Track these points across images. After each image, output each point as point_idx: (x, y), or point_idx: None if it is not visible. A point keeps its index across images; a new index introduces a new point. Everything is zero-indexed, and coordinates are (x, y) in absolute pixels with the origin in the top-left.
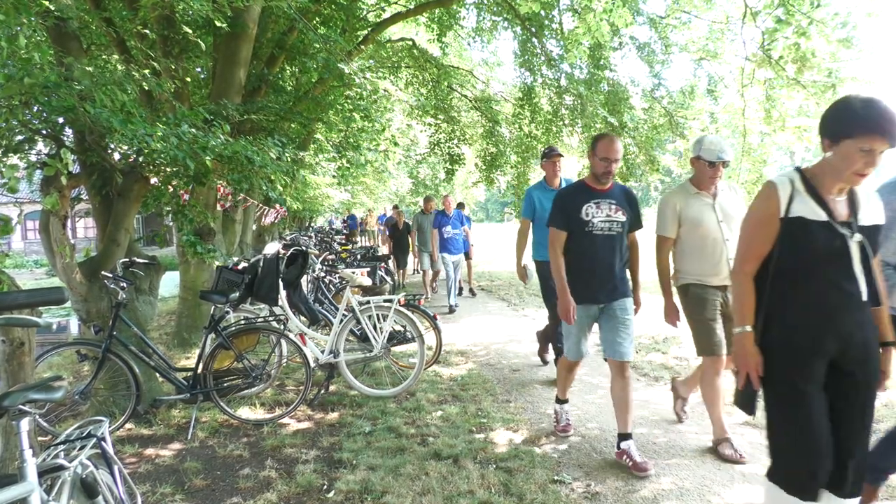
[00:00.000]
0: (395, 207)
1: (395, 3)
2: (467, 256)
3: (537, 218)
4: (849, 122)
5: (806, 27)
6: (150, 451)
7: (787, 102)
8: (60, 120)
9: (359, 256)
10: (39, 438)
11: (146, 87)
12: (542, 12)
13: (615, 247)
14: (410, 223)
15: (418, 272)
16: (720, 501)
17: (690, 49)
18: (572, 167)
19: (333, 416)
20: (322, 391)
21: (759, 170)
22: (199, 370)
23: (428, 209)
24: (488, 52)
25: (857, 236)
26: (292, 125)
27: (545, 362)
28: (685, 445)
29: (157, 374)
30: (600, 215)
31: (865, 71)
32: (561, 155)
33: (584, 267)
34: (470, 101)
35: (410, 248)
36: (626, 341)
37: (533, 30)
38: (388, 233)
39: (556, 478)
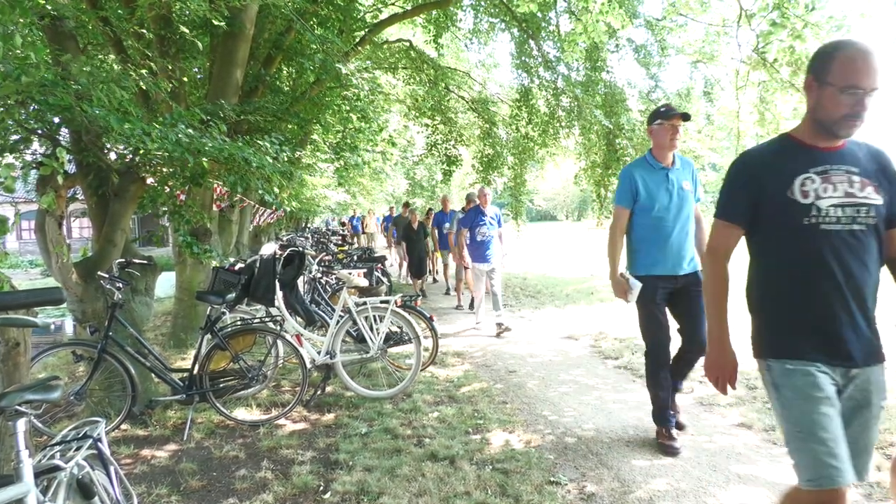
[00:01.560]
0: (406, 205)
1: (393, 4)
2: None
3: (640, 208)
4: None
5: (800, 30)
6: (145, 452)
7: (781, 105)
8: (56, 119)
9: (355, 257)
10: (34, 440)
11: (143, 87)
12: (539, 14)
13: (866, 255)
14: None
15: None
16: (716, 502)
17: (686, 51)
18: (567, 168)
19: (330, 417)
20: (318, 392)
21: None
22: (196, 371)
23: (469, 206)
24: (485, 54)
25: None
26: (289, 126)
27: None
28: (681, 447)
29: (153, 375)
30: (833, 194)
31: None
32: (686, 116)
33: (807, 294)
34: (467, 102)
35: (431, 252)
36: (871, 444)
37: (530, 32)
38: (396, 234)
39: (552, 479)
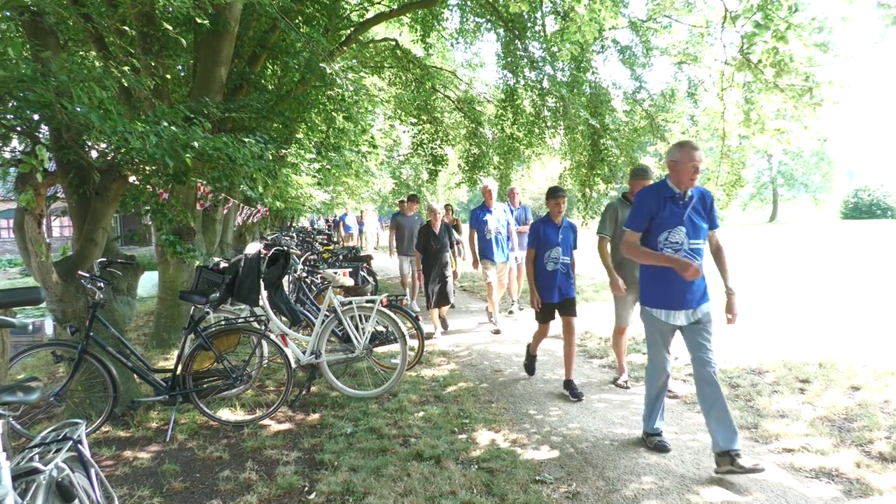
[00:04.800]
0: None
1: (379, 2)
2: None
3: None
4: None
5: (784, 31)
6: (127, 454)
7: (765, 105)
8: (36, 116)
9: (341, 257)
10: (12, 442)
11: (125, 84)
12: (525, 14)
13: None
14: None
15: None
16: (699, 500)
17: (671, 52)
18: (554, 168)
19: (315, 417)
20: (303, 392)
21: (738, 172)
22: (179, 371)
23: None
24: (471, 54)
25: None
26: (274, 124)
27: None
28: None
29: (135, 376)
30: None
31: (841, 75)
32: None
33: None
34: (453, 102)
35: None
36: None
37: (516, 32)
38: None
39: (537, 478)
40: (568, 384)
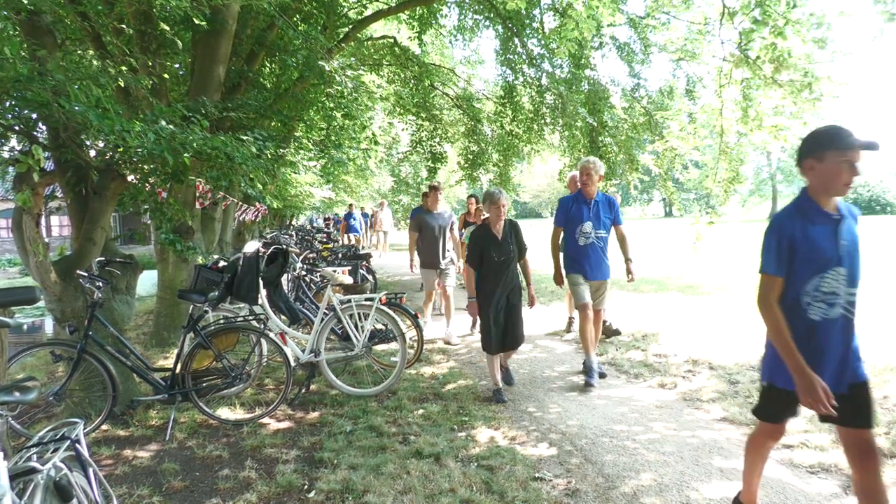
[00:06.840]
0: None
1: (377, 0)
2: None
3: None
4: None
5: (782, 27)
6: (126, 453)
7: (763, 102)
8: (34, 115)
9: (340, 255)
10: (12, 441)
11: (122, 84)
12: (524, 11)
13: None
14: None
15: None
16: (698, 496)
17: (669, 49)
18: (553, 165)
19: (314, 415)
20: (303, 391)
21: (736, 169)
22: (178, 370)
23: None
24: (470, 51)
25: None
26: (273, 123)
27: None
28: (664, 442)
29: (135, 375)
30: None
31: (840, 71)
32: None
33: None
34: (451, 99)
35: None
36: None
37: (514, 29)
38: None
39: (536, 475)
40: None
